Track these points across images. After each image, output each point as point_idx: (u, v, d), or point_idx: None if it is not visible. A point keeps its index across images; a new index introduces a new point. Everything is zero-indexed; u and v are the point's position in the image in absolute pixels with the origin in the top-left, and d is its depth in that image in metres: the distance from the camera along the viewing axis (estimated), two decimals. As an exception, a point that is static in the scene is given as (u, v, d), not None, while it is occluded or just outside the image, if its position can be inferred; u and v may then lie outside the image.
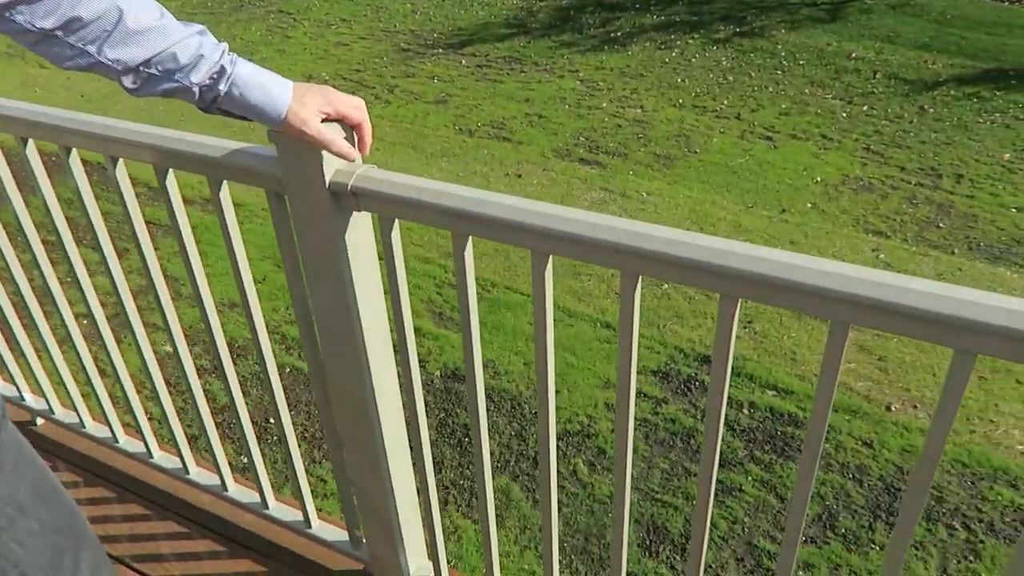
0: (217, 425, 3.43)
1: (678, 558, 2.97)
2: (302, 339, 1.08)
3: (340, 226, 0.89)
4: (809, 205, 5.39)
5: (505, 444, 3.50)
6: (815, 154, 6.10)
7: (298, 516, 1.36)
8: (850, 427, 3.50)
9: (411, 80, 7.98)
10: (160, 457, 1.49)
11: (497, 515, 3.23)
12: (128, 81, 0.81)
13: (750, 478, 3.27)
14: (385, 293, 0.99)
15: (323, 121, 0.87)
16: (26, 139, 1.10)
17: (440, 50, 8.77)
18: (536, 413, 3.71)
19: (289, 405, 3.71)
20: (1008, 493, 3.17)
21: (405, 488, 1.17)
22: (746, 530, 3.05)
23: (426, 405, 3.72)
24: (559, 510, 3.18)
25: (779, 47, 8.04)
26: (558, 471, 3.37)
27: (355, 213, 0.90)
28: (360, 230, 0.91)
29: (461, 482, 3.34)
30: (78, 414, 1.56)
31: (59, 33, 0.76)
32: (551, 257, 0.77)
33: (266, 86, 0.85)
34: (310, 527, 1.33)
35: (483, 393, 0.96)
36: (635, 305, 0.74)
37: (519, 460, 3.42)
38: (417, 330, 4.19)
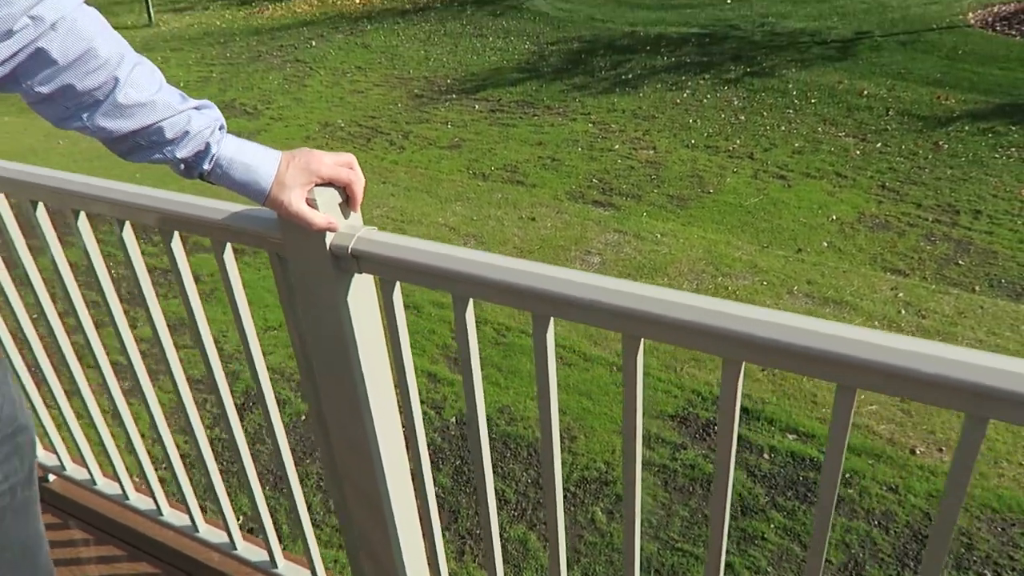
0: (233, 475, 3.41)
1: (700, 610, 2.90)
2: (307, 402, 1.07)
3: (341, 288, 0.89)
4: (825, 244, 5.36)
5: (522, 492, 3.44)
6: (830, 192, 6.09)
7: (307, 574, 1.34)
8: (874, 472, 3.41)
9: (425, 126, 8.09)
10: (169, 514, 1.48)
11: (514, 565, 3.17)
12: (117, 148, 0.85)
13: (772, 525, 3.19)
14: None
15: (318, 185, 0.89)
16: (35, 202, 1.11)
17: (453, 95, 8.90)
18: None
19: (307, 453, 3.68)
20: (1041, 539, 3.07)
21: (411, 540, 1.14)
22: (770, 580, 2.97)
23: (442, 452, 3.69)
24: (577, 560, 3.11)
25: (790, 86, 8.08)
26: (575, 520, 3.30)
27: (356, 275, 0.90)
28: (361, 292, 0.91)
29: (478, 531, 3.29)
30: (89, 471, 1.55)
31: (56, 97, 0.81)
32: (552, 320, 0.76)
33: (250, 166, 0.88)
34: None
35: (489, 461, 0.94)
36: (638, 369, 0.73)
37: (536, 509, 3.36)
38: (433, 376, 4.17)
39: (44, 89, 0.80)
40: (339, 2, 13.48)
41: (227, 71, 10.60)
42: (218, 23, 13.32)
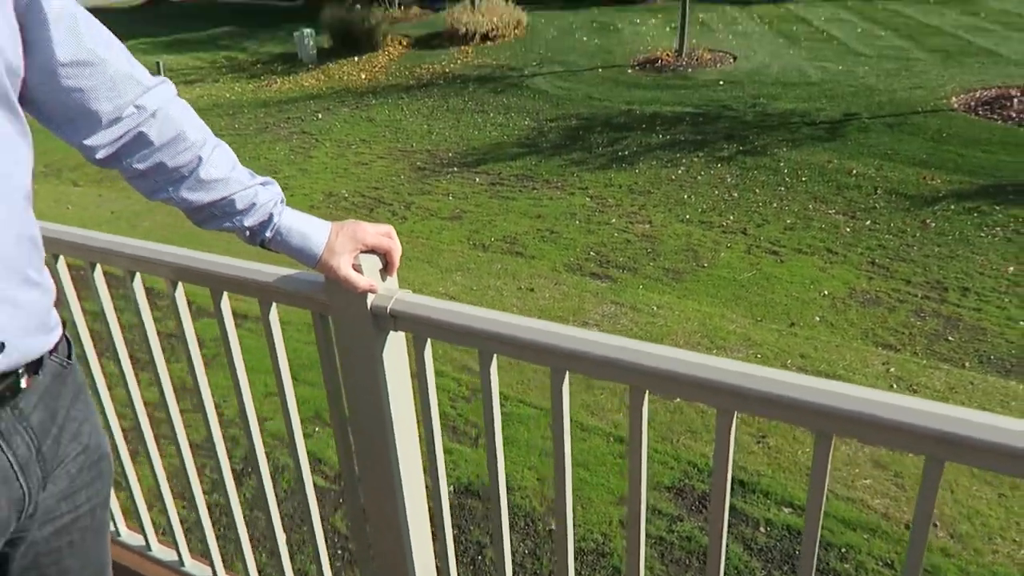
0: (232, 541, 3.41)
1: None
2: (338, 450, 1.16)
3: (379, 344, 1.00)
4: (817, 318, 5.48)
5: (518, 563, 3.45)
6: (821, 268, 6.24)
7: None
8: (869, 546, 3.44)
9: (427, 197, 8.30)
10: (191, 566, 1.53)
11: (511, 634, 3.16)
12: (195, 216, 0.97)
13: (769, 597, 3.20)
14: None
15: (362, 252, 1.02)
16: (94, 264, 1.22)
17: (455, 168, 9.16)
18: (551, 531, 3.69)
19: (300, 519, 3.70)
20: (1036, 614, 3.09)
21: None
22: (767, 652, 2.97)
23: (440, 519, 3.71)
24: (574, 629, 3.11)
25: (781, 164, 8.35)
26: (573, 588, 3.31)
27: (392, 333, 1.01)
28: (396, 348, 1.02)
29: (474, 599, 3.29)
30: (114, 523, 1.62)
31: (149, 174, 0.96)
32: (568, 373, 0.86)
33: (305, 234, 1.02)
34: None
35: (507, 512, 1.02)
36: (643, 419, 0.82)
37: (533, 576, 3.37)
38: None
39: (140, 166, 0.94)
40: (345, 77, 13.95)
41: (235, 141, 10.89)
42: (227, 95, 13.74)
